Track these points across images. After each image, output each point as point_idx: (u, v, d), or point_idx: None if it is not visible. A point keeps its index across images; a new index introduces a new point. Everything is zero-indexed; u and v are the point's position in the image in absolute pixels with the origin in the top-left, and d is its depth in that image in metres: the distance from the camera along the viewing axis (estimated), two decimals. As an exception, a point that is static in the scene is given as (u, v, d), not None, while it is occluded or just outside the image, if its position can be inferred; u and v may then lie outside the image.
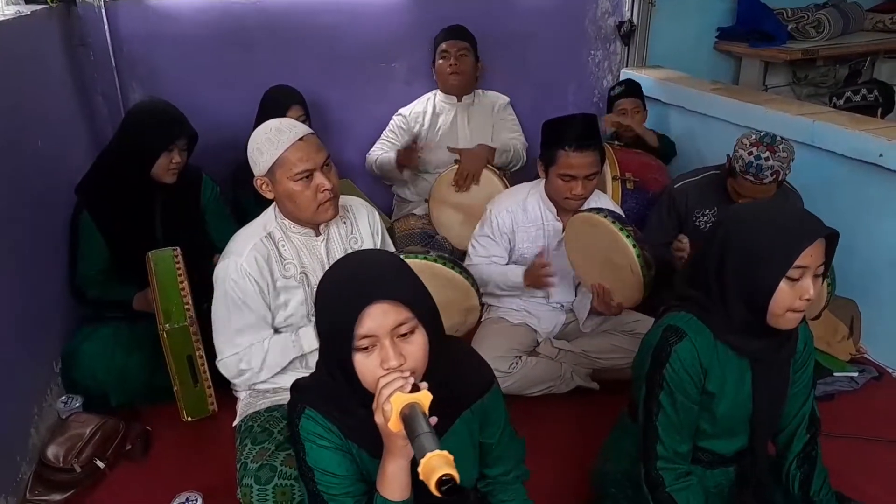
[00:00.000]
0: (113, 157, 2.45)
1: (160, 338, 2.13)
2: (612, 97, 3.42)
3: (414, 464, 1.12)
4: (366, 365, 1.18)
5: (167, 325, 2.12)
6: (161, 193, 2.47)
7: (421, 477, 1.05)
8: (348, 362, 1.18)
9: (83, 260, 2.45)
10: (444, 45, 3.12)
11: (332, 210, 1.88)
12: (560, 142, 2.26)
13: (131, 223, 2.44)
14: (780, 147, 2.34)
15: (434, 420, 1.12)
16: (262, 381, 1.97)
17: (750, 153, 2.34)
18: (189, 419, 2.23)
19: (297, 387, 1.36)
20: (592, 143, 2.30)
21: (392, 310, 1.16)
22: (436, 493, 1.03)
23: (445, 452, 1.05)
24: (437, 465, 1.03)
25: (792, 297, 1.41)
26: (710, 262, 1.50)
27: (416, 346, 1.19)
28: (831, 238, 1.45)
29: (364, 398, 1.20)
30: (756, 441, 1.62)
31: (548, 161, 2.32)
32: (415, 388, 1.14)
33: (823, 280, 1.47)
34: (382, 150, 3.25)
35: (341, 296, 1.19)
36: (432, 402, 1.14)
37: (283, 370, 1.97)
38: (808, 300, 1.41)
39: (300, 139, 1.79)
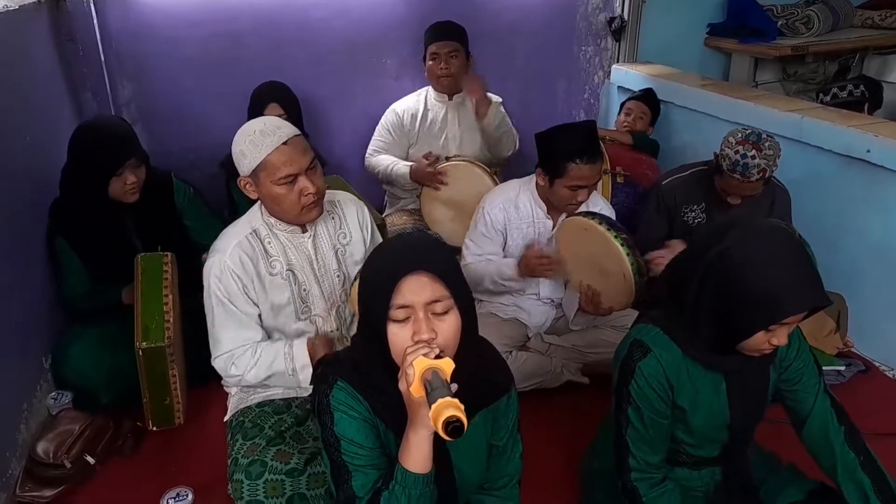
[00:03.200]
0: (70, 182, 2.39)
1: (135, 354, 2.11)
2: (630, 98, 3.42)
3: (438, 440, 1.18)
4: (398, 336, 1.21)
5: (144, 344, 2.10)
6: (131, 208, 2.41)
7: (430, 421, 1.09)
8: (383, 332, 1.21)
9: (66, 281, 2.44)
10: (433, 47, 3.10)
11: (316, 211, 1.87)
12: (570, 155, 2.24)
13: (108, 243, 2.40)
14: (766, 145, 2.34)
15: (455, 387, 1.14)
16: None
17: (736, 151, 2.35)
18: (154, 429, 2.26)
19: (328, 360, 1.40)
20: (599, 151, 2.32)
21: (430, 284, 1.20)
22: (444, 435, 1.07)
23: (455, 400, 1.09)
24: (445, 408, 1.07)
25: (763, 342, 1.39)
26: (691, 283, 1.44)
27: (449, 326, 1.22)
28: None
29: (395, 374, 1.22)
30: (736, 445, 1.62)
31: (554, 173, 2.30)
32: (439, 358, 1.17)
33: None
34: (379, 151, 3.24)
35: (384, 264, 1.25)
36: (455, 394, 1.16)
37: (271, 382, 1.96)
38: (776, 345, 1.39)
39: (284, 143, 1.76)
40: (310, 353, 1.90)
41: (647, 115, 3.35)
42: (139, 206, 2.42)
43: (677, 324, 1.50)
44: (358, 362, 1.32)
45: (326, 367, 1.37)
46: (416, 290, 1.19)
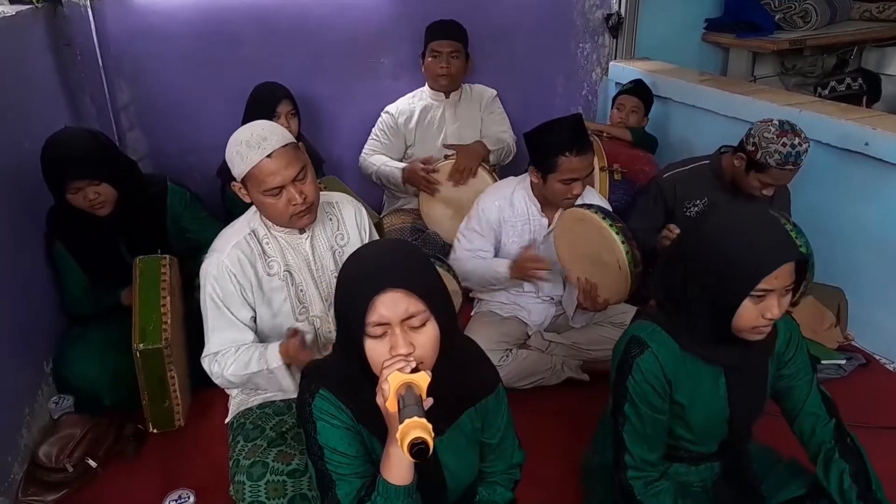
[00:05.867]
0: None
1: (133, 355, 2.11)
2: (621, 91, 3.40)
3: None
4: (376, 350, 1.20)
5: (141, 346, 2.11)
6: (117, 216, 2.37)
7: (398, 441, 1.09)
8: (360, 347, 1.21)
9: (67, 286, 2.45)
10: (435, 45, 3.09)
11: (308, 218, 1.86)
12: (560, 149, 2.25)
13: (99, 249, 2.40)
14: (798, 128, 2.36)
15: (430, 401, 1.14)
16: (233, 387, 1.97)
17: (783, 145, 2.33)
18: (155, 431, 2.26)
19: (310, 368, 1.39)
20: (588, 142, 2.32)
21: (404, 299, 1.18)
22: (408, 456, 1.07)
23: (423, 420, 1.09)
24: (412, 429, 1.07)
25: (755, 315, 1.39)
26: (676, 270, 1.48)
27: (426, 338, 1.21)
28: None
29: (375, 383, 1.21)
30: (735, 440, 1.62)
31: (546, 168, 2.31)
32: (415, 371, 1.16)
33: (795, 296, 1.45)
34: (374, 152, 3.25)
35: (358, 281, 1.21)
36: (438, 396, 1.16)
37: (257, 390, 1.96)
38: (770, 318, 1.39)
39: (268, 156, 1.74)
40: (286, 354, 1.86)
41: (640, 108, 3.32)
42: (125, 215, 2.39)
43: (674, 318, 1.51)
44: (338, 370, 1.31)
45: (308, 374, 1.36)
46: (391, 306, 1.17)
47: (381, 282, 1.18)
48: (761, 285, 1.36)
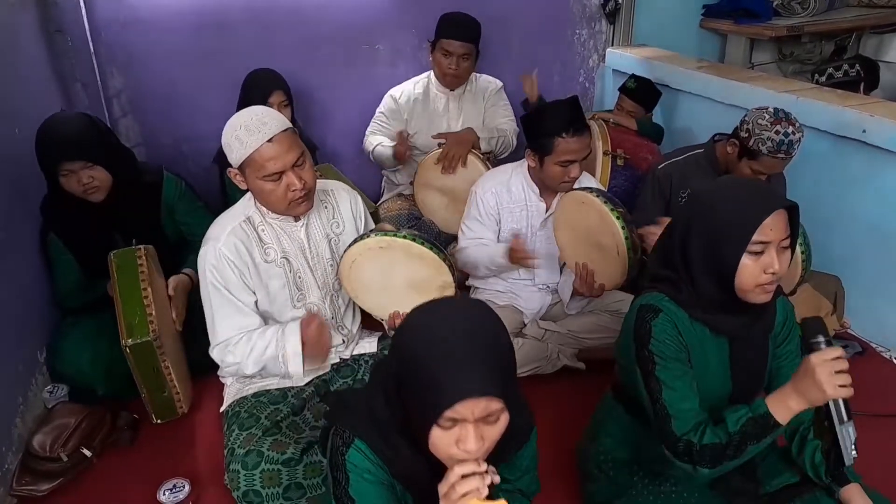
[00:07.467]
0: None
1: (123, 352, 2.09)
2: (623, 88, 3.35)
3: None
4: (442, 440, 1.12)
5: (129, 341, 2.07)
6: (112, 204, 2.35)
7: None
8: (425, 432, 1.12)
9: (59, 278, 2.43)
10: (447, 44, 3.02)
11: (305, 205, 1.86)
12: (556, 130, 2.24)
13: (92, 238, 2.37)
14: (793, 118, 2.36)
15: None
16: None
17: (776, 132, 2.32)
18: (158, 422, 2.25)
19: (344, 405, 1.31)
20: (585, 124, 2.31)
21: (486, 402, 1.09)
22: None
23: None
24: None
25: (757, 272, 1.42)
26: (675, 241, 1.53)
27: (498, 430, 1.14)
28: (795, 210, 1.44)
29: (417, 443, 1.17)
30: None
31: (543, 150, 2.30)
32: (490, 492, 1.09)
33: (793, 253, 1.48)
34: (374, 133, 3.23)
35: (436, 373, 1.09)
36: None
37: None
38: (773, 273, 1.41)
39: (268, 140, 1.73)
40: (305, 338, 1.88)
41: (639, 111, 3.30)
42: (120, 203, 2.37)
43: (679, 288, 1.53)
44: (377, 422, 1.24)
45: (342, 419, 1.29)
46: (471, 407, 1.08)
47: (464, 389, 1.07)
48: (756, 237, 1.39)
